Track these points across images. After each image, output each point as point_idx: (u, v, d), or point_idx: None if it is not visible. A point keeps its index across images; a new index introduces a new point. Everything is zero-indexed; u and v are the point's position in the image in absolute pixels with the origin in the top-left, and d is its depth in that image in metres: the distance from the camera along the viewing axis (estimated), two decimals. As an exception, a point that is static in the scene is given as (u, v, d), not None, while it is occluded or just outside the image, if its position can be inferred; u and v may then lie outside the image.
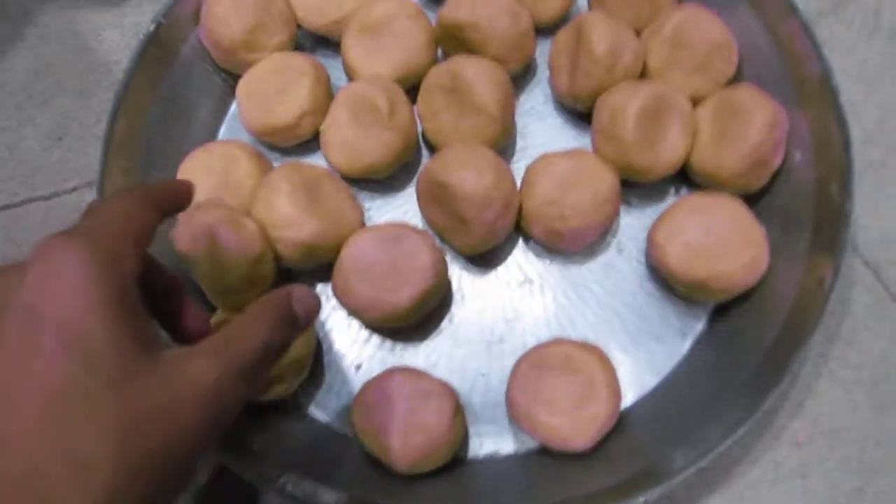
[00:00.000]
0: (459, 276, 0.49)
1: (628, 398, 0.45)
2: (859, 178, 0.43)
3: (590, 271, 0.48)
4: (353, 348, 0.48)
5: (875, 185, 0.50)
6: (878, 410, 0.45)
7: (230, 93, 0.53)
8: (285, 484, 0.41)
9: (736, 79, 0.48)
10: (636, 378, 0.46)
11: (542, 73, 0.53)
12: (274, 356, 0.30)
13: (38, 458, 0.22)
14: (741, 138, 0.44)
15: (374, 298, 0.43)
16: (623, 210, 0.49)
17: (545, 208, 0.45)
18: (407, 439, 0.41)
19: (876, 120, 0.51)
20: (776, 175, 0.46)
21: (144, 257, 0.29)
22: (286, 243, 0.44)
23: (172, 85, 0.51)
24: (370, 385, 0.43)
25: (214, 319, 0.44)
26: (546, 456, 0.44)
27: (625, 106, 0.44)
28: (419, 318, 0.45)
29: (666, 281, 0.46)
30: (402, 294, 0.43)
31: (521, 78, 0.52)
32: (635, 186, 0.48)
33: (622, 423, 0.43)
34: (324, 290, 0.49)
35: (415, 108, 0.49)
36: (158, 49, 0.50)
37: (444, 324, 0.48)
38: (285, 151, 0.52)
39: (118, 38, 0.58)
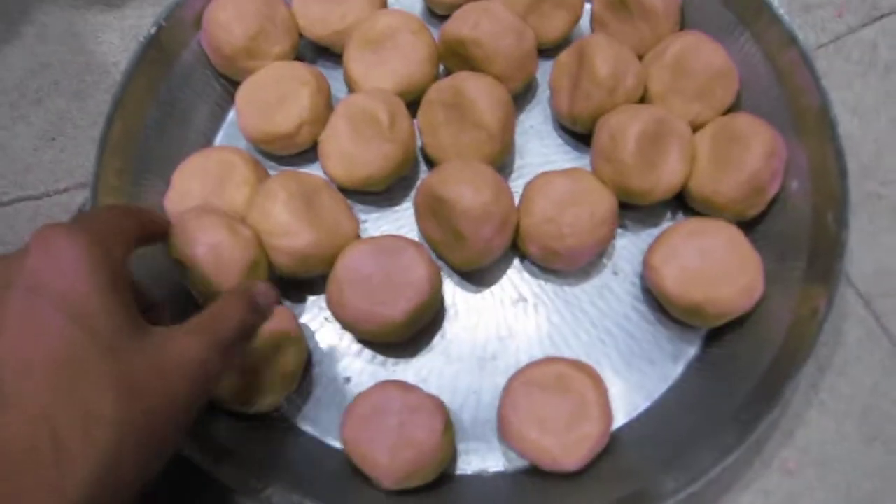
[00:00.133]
0: (453, 292, 0.49)
1: (619, 419, 0.45)
2: (854, 210, 0.43)
3: (584, 292, 0.48)
4: (344, 361, 0.47)
5: (870, 218, 0.50)
6: (867, 443, 0.45)
7: (229, 99, 0.53)
8: (271, 496, 0.40)
9: (735, 107, 0.49)
10: (628, 400, 0.46)
11: (543, 92, 0.53)
12: (248, 336, 0.35)
13: (50, 413, 0.25)
14: (739, 165, 0.44)
15: (367, 311, 0.42)
16: (619, 233, 0.49)
17: (543, 226, 0.44)
18: (395, 454, 0.40)
19: (872, 153, 0.52)
20: (773, 203, 0.46)
21: (132, 257, 0.33)
22: (281, 252, 0.43)
23: (171, 89, 0.51)
24: (360, 398, 0.42)
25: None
26: (535, 475, 0.43)
27: (626, 128, 0.44)
28: (412, 333, 0.45)
29: (660, 304, 0.46)
30: (397, 307, 0.42)
31: (521, 97, 0.53)
32: (632, 210, 0.49)
33: (613, 444, 0.43)
34: (317, 302, 0.48)
35: (415, 122, 0.49)
36: (158, 52, 0.50)
37: (437, 340, 0.47)
38: (282, 160, 0.52)
39: (117, 41, 0.58)
